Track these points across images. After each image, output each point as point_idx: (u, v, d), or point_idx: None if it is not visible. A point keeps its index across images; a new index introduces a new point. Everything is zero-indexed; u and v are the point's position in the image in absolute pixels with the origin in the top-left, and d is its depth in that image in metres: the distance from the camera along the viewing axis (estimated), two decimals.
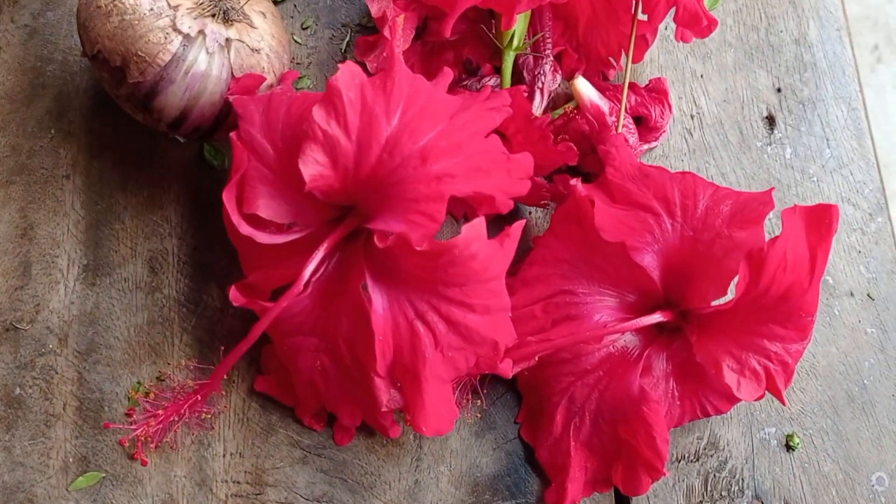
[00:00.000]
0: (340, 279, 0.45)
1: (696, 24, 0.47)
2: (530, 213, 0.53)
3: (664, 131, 0.54)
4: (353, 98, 0.40)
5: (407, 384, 0.43)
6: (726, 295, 0.44)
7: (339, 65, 0.40)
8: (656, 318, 0.45)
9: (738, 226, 0.44)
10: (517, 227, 0.43)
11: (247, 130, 0.44)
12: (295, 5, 0.56)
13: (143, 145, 0.53)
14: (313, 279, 0.45)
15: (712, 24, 0.48)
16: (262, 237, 0.44)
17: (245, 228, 0.43)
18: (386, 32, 0.49)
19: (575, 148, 0.48)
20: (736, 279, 0.43)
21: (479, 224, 0.41)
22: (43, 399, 0.48)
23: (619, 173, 0.47)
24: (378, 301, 0.43)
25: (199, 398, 0.46)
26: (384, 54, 0.51)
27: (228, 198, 0.43)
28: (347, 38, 0.56)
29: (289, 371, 0.47)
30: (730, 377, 0.44)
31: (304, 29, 0.56)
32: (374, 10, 0.48)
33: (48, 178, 0.52)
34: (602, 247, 0.46)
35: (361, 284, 0.43)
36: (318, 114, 0.40)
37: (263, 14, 0.48)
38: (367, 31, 0.56)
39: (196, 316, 0.50)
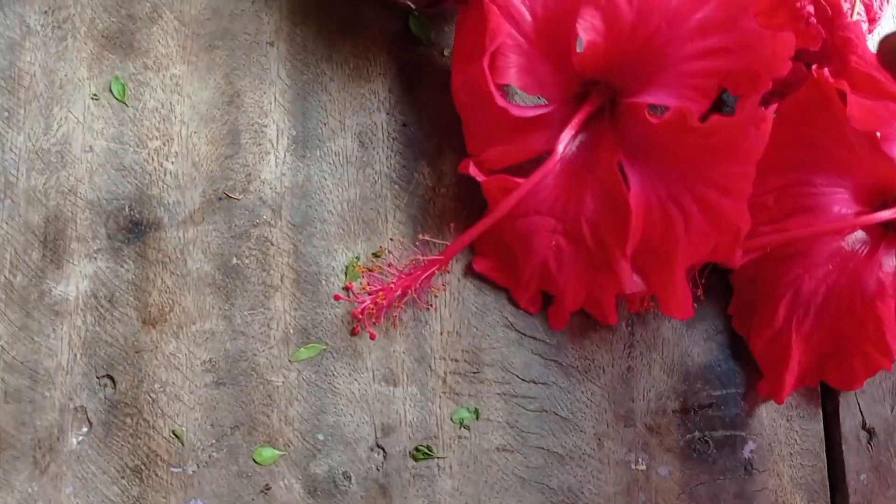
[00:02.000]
0: (587, 158, 0.44)
1: None
2: None
3: (879, 23, 0.52)
4: None
5: (655, 268, 0.43)
6: None
7: None
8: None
9: None
10: (771, 110, 0.42)
11: None
12: None
13: (346, 14, 0.51)
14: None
15: None
16: (516, 110, 0.42)
17: (501, 101, 0.42)
18: None
19: (823, 31, 0.46)
20: None
21: (754, 102, 0.39)
22: (260, 270, 0.47)
23: (863, 62, 0.45)
24: (634, 181, 0.42)
25: (427, 276, 0.45)
26: None
27: (484, 68, 0.41)
28: None
29: (514, 252, 0.46)
30: None
31: None
32: None
33: (252, 45, 0.50)
34: (845, 137, 0.45)
35: (616, 163, 0.42)
36: None
37: None
38: None
39: (408, 194, 0.49)
